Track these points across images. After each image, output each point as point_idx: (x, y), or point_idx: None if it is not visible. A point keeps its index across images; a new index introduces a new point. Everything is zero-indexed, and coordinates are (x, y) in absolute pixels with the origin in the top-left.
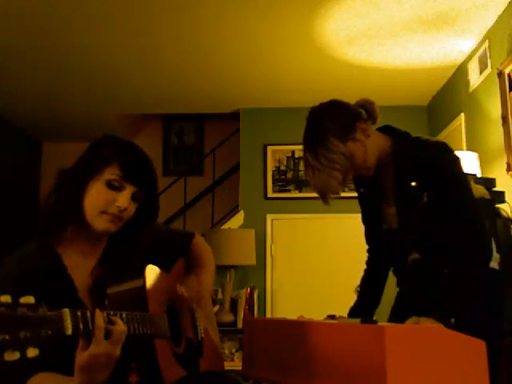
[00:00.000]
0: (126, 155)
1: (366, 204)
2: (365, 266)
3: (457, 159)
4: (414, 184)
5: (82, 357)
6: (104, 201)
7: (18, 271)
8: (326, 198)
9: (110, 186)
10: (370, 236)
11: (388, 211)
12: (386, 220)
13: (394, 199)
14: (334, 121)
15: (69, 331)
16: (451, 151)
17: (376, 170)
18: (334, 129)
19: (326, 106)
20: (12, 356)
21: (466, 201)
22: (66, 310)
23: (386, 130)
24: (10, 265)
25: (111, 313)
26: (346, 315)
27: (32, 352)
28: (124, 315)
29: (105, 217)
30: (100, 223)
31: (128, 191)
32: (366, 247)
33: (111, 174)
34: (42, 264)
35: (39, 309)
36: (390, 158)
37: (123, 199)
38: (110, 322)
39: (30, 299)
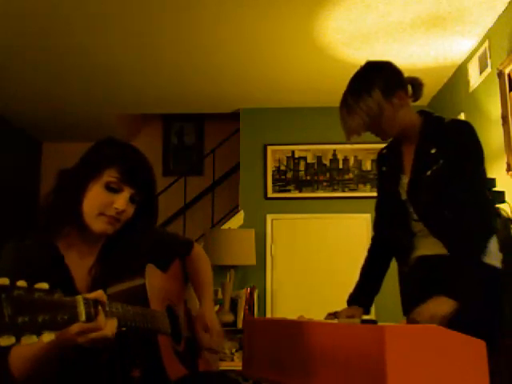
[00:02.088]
0: (125, 158)
1: (385, 182)
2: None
3: (479, 142)
4: (433, 151)
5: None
6: (102, 203)
7: (15, 261)
8: (350, 136)
9: (109, 188)
10: (378, 222)
11: (403, 181)
12: (399, 192)
13: (412, 166)
14: (384, 77)
15: (82, 317)
16: (476, 134)
17: (399, 143)
18: (382, 84)
19: (382, 64)
20: (29, 340)
21: (470, 178)
22: (80, 297)
23: (420, 112)
24: (7, 255)
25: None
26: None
27: (47, 336)
28: (120, 306)
29: (102, 218)
30: (98, 225)
31: (126, 193)
32: (366, 246)
33: (110, 176)
34: (40, 254)
35: (55, 294)
36: (417, 131)
37: (121, 201)
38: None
39: (44, 285)
